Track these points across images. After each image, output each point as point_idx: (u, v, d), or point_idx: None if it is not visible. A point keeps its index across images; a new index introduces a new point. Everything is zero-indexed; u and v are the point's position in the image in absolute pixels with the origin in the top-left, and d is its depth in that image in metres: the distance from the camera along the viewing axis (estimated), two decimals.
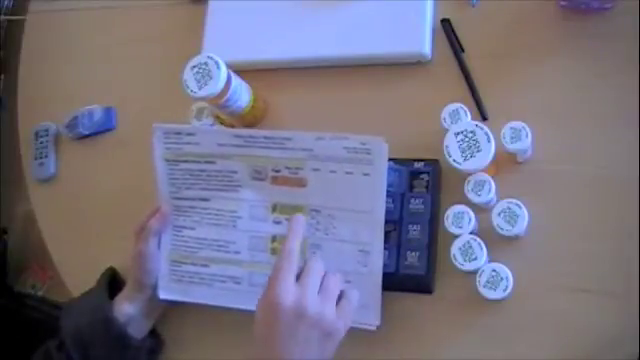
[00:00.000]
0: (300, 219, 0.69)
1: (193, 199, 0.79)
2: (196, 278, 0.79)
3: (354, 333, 0.72)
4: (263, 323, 0.64)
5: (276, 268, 0.64)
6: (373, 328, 0.72)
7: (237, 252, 0.78)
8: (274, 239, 0.76)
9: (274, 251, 0.76)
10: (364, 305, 0.72)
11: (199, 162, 0.78)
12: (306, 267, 0.66)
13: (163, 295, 0.79)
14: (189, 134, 0.78)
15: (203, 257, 0.79)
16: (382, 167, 0.72)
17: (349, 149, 0.72)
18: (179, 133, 0.78)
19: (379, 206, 0.72)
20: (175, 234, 0.80)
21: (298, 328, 0.62)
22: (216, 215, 0.79)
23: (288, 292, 0.63)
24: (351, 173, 0.73)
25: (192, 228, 0.79)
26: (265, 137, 0.76)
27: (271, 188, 0.77)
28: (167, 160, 0.79)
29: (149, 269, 0.78)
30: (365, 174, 0.73)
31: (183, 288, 0.79)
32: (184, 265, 0.79)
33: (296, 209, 0.76)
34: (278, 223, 0.76)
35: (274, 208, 0.77)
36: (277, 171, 0.76)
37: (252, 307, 0.75)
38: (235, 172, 0.77)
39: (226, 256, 0.78)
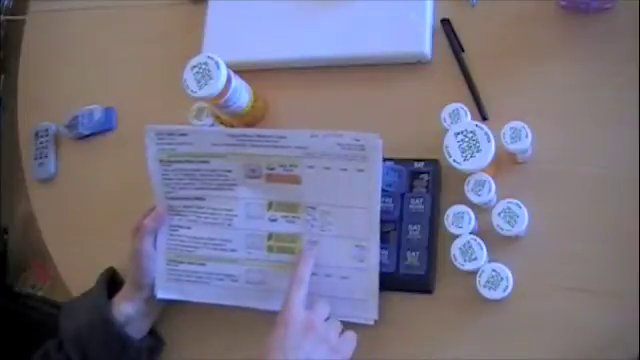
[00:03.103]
0: (313, 248, 0.74)
1: (188, 198, 0.79)
2: (193, 277, 0.79)
3: (353, 332, 0.72)
4: (272, 338, 0.67)
5: (287, 293, 0.70)
6: (371, 322, 0.72)
7: (233, 250, 0.78)
8: (270, 237, 0.76)
9: (270, 249, 0.76)
10: (362, 300, 0.72)
11: (193, 162, 0.78)
12: (315, 304, 0.71)
13: (161, 294, 0.79)
14: (182, 134, 0.78)
15: (200, 256, 0.79)
16: (376, 163, 0.72)
17: (343, 146, 0.72)
18: (172, 134, 0.78)
19: (374, 202, 0.72)
20: (171, 234, 0.80)
21: (306, 340, 0.67)
22: (212, 214, 0.78)
23: (299, 311, 0.68)
24: (345, 170, 0.73)
25: (188, 227, 0.79)
26: (259, 135, 0.76)
27: (266, 186, 0.76)
28: (161, 161, 0.79)
29: (146, 268, 0.78)
30: (359, 170, 0.73)
31: (181, 287, 0.79)
32: (181, 264, 0.79)
33: (292, 206, 0.76)
34: (274, 221, 0.76)
35: (270, 206, 0.77)
36: (271, 169, 0.76)
37: (249, 304, 0.76)
38: (230, 171, 0.77)
39: (223, 254, 0.78)
